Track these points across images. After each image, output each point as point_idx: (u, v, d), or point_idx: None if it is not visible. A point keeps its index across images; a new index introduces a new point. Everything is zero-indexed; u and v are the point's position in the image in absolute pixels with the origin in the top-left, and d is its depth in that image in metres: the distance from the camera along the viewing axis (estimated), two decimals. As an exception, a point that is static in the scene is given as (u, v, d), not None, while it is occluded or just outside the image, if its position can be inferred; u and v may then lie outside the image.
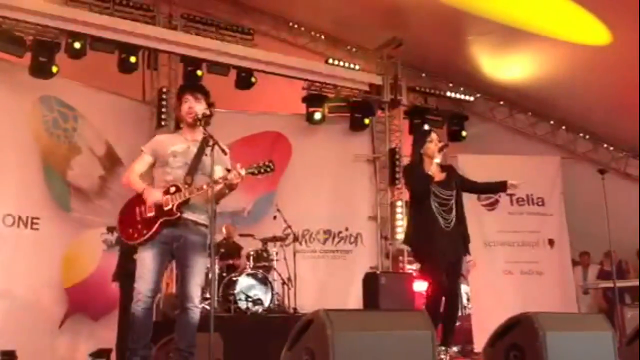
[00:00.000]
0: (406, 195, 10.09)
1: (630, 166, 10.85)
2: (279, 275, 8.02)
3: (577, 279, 10.06)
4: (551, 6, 8.51)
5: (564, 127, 11.10)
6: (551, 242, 10.02)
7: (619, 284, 7.39)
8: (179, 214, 4.12)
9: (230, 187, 4.17)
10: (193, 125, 4.28)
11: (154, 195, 4.13)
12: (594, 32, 8.64)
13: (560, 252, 10.15)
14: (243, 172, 4.11)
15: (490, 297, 9.36)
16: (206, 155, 4.16)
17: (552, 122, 11.12)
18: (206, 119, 4.24)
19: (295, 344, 3.39)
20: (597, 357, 3.99)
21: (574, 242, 10.17)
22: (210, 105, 4.34)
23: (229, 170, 4.15)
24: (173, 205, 4.11)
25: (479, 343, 8.67)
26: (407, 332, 3.49)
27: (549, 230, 10.19)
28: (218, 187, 4.13)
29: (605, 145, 10.96)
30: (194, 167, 4.21)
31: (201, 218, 4.19)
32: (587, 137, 11.00)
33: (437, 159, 5.30)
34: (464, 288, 8.93)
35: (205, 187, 4.07)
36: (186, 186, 4.14)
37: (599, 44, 8.78)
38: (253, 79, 9.58)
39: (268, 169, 4.21)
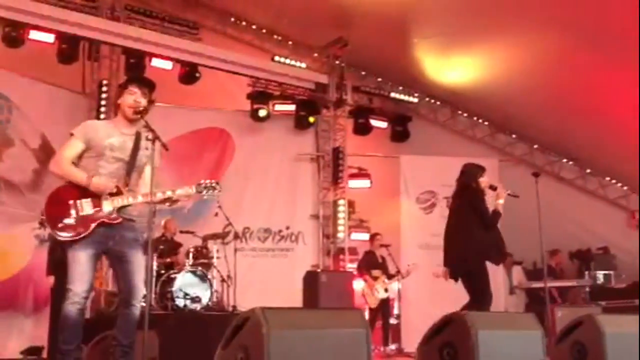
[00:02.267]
0: (349, 194, 10.33)
1: (564, 169, 11.20)
2: (219, 272, 7.95)
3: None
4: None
5: (502, 130, 11.38)
6: None
7: (550, 284, 7.64)
8: (120, 219, 4.05)
9: (174, 203, 4.19)
10: (134, 119, 4.20)
11: (104, 185, 4.00)
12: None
13: None
14: (193, 190, 4.16)
15: (419, 298, 9.52)
16: (146, 149, 4.13)
17: (491, 125, 11.38)
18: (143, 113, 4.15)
19: (231, 342, 3.36)
20: (526, 355, 4.11)
21: (508, 243, 10.40)
22: (150, 102, 4.26)
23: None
24: (114, 208, 4.03)
25: (409, 342, 8.84)
26: (342, 331, 3.50)
27: None
28: (159, 199, 4.11)
29: (540, 149, 11.27)
30: (132, 165, 4.14)
31: (133, 214, 4.14)
32: (524, 140, 11.29)
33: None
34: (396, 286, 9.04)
35: (149, 198, 4.04)
36: (127, 188, 4.08)
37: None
38: (197, 74, 9.46)
39: (215, 190, 4.23)
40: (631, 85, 8.63)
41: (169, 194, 4.12)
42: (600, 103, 9.18)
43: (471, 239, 5.81)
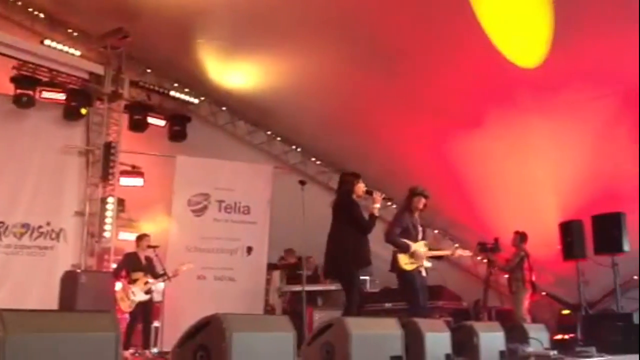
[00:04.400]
0: (119, 191, 9.92)
1: (332, 180, 11.81)
2: (-38, 271, 7.17)
3: (276, 282, 10.66)
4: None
5: (278, 138, 11.73)
6: (249, 250, 10.46)
7: (309, 287, 8.04)
8: None
9: None
10: None
11: None
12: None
13: (257, 259, 10.64)
14: None
15: (184, 301, 9.46)
16: None
17: (269, 132, 11.68)
18: None
19: (-41, 348, 3.03)
20: (278, 356, 4.25)
21: (278, 248, 10.77)
22: None
23: None
24: None
25: (172, 345, 8.70)
26: (90, 334, 3.34)
27: (250, 238, 10.62)
28: None
29: (313, 159, 11.81)
30: None
31: None
32: (299, 149, 11.75)
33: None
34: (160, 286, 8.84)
35: None
36: None
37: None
38: (-49, 50, 8.51)
39: None
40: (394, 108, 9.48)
41: None
42: (366, 122, 9.91)
43: (346, 246, 6.26)
